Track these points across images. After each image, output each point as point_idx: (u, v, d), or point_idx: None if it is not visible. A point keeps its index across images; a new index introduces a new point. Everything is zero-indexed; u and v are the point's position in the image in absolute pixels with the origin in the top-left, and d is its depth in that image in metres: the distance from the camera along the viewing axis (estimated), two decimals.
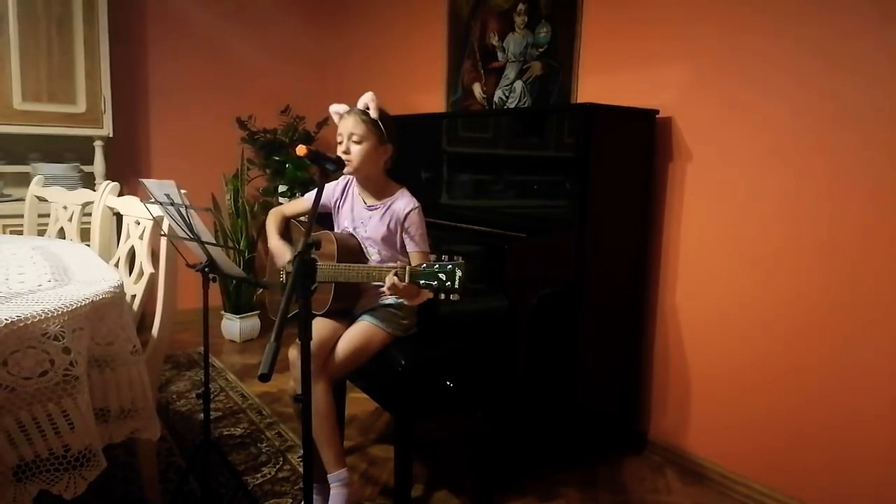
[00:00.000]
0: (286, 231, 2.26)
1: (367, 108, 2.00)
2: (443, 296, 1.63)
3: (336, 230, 2.19)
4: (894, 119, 1.94)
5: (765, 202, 2.27)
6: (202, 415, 2.07)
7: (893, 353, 1.97)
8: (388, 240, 2.07)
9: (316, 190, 1.61)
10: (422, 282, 1.65)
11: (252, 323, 4.00)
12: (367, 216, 2.10)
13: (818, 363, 2.14)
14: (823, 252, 2.12)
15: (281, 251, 2.14)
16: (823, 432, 2.14)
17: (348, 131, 2.00)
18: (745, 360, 2.35)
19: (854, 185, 2.04)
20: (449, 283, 1.62)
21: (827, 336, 2.12)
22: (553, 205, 2.55)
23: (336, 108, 2.06)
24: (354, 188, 2.17)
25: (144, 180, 1.85)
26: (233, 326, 3.95)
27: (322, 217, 2.25)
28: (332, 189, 2.20)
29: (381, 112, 2.02)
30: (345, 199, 2.19)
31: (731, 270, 2.38)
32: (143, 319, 2.08)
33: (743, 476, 2.37)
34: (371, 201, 2.11)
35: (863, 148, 2.01)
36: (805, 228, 2.16)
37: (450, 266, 1.62)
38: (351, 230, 2.14)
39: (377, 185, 2.10)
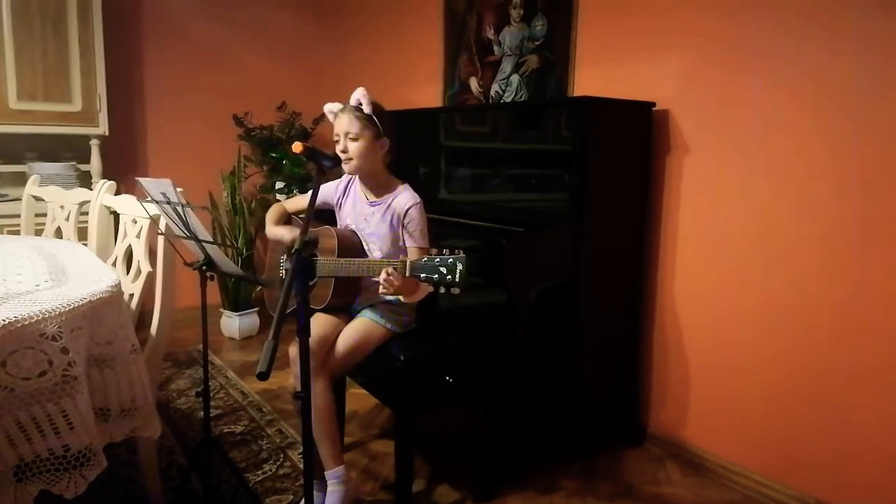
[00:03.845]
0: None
1: (360, 105, 2.00)
2: (443, 289, 1.62)
3: (339, 228, 2.19)
4: (894, 110, 1.94)
5: (763, 194, 2.27)
6: (203, 412, 2.07)
7: (893, 345, 1.97)
8: (391, 236, 2.06)
9: (313, 188, 1.61)
10: (422, 275, 1.64)
11: (251, 320, 4.00)
12: (369, 212, 2.10)
13: (817, 355, 2.15)
14: (823, 245, 2.12)
15: (282, 233, 2.16)
16: (822, 424, 2.14)
17: (344, 130, 2.00)
18: (743, 352, 2.35)
19: (854, 178, 2.03)
20: (450, 276, 1.60)
21: (825, 328, 2.12)
22: (551, 198, 2.55)
23: (330, 108, 2.06)
24: (356, 185, 2.16)
25: (141, 179, 1.85)
26: (232, 324, 3.95)
27: (324, 214, 2.26)
28: (333, 187, 2.21)
29: (375, 106, 2.01)
30: (347, 196, 2.19)
31: (729, 263, 2.38)
32: (142, 318, 2.08)
33: (742, 467, 2.37)
34: (373, 197, 2.11)
35: (863, 139, 2.01)
36: (804, 221, 2.16)
37: (451, 259, 1.61)
38: (354, 227, 2.14)
39: (379, 181, 2.10)
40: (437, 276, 1.62)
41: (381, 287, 1.77)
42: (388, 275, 1.72)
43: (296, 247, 1.47)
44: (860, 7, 1.98)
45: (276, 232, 2.19)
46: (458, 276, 1.59)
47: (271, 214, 2.24)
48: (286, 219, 2.26)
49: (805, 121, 2.14)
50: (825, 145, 2.09)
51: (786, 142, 2.19)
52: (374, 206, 2.09)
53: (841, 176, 2.06)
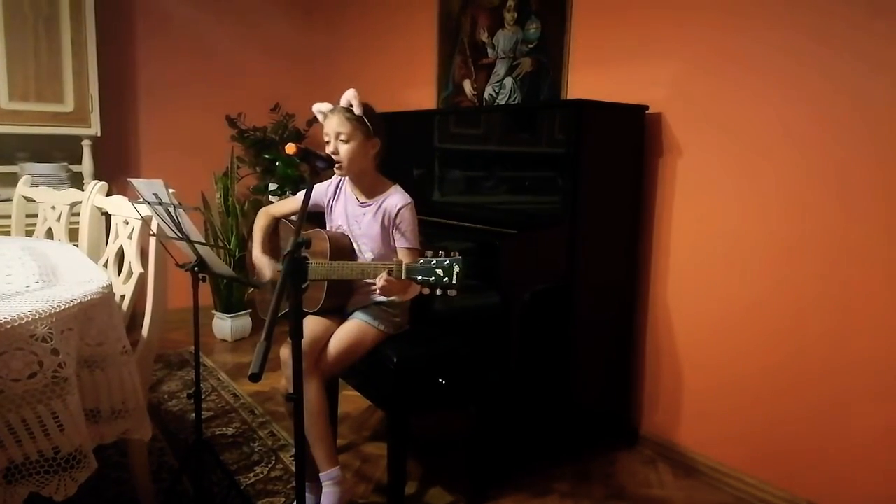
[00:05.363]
0: (275, 232, 2.25)
1: (351, 106, 2.00)
2: (439, 291, 1.63)
3: (329, 229, 2.18)
4: (881, 114, 1.95)
5: (756, 196, 2.27)
6: (194, 414, 2.06)
7: (883, 345, 1.98)
8: (382, 237, 2.06)
9: (305, 189, 1.60)
10: (418, 278, 1.65)
11: (243, 322, 3.98)
12: (360, 213, 2.09)
13: (810, 358, 2.16)
14: (815, 246, 2.13)
15: (263, 266, 2.12)
16: (814, 426, 2.15)
17: (335, 131, 1.99)
18: (735, 354, 2.36)
19: (846, 180, 2.04)
20: (446, 278, 1.61)
21: (816, 330, 2.13)
22: (544, 201, 2.55)
23: (320, 108, 2.05)
24: (347, 186, 2.16)
25: (133, 180, 1.84)
26: (224, 325, 3.93)
27: (314, 216, 2.25)
28: (324, 188, 2.20)
29: (365, 107, 2.01)
30: (338, 197, 2.18)
31: (721, 265, 2.39)
32: (134, 319, 2.07)
33: (734, 469, 2.38)
34: (363, 198, 2.10)
35: (853, 143, 2.02)
36: (796, 222, 2.17)
37: (447, 262, 1.61)
38: (346, 228, 2.13)
39: (369, 182, 2.10)
40: (433, 278, 1.62)
41: (377, 291, 1.77)
42: (386, 280, 1.72)
43: (289, 248, 1.47)
44: (851, 14, 2.00)
45: (259, 261, 2.14)
46: (454, 278, 1.60)
47: (258, 225, 2.20)
48: (274, 225, 2.25)
49: (797, 125, 2.15)
50: (816, 148, 2.10)
51: (778, 146, 2.20)
52: (365, 206, 2.09)
53: (833, 178, 2.07)
